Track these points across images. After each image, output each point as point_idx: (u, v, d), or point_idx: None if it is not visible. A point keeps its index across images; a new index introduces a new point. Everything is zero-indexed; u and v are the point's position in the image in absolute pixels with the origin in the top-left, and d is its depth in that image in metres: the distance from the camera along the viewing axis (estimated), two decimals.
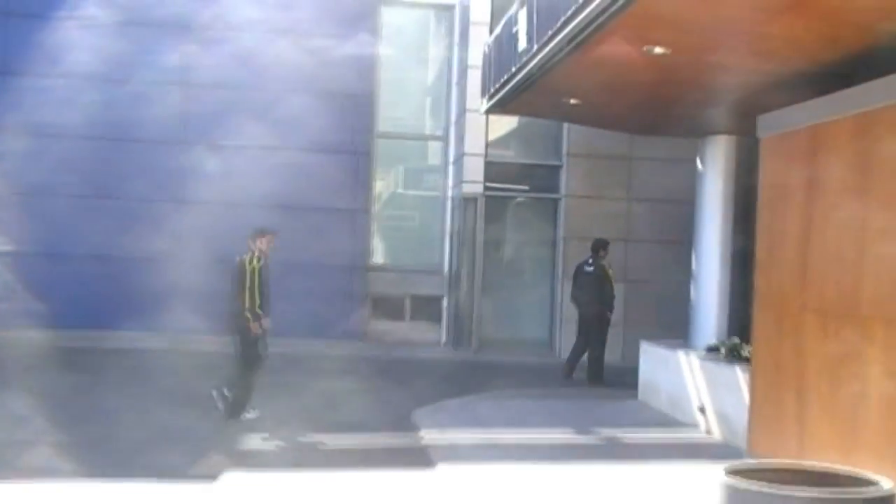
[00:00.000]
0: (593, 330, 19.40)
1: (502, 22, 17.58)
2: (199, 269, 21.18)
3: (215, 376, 15.05)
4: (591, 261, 19.63)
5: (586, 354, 19.48)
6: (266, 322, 14.65)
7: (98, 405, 15.37)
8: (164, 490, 10.69)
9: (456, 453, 12.56)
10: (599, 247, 19.59)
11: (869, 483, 6.34)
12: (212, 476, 11.11)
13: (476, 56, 22.71)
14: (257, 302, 14.49)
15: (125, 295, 22.84)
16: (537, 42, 13.86)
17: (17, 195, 22.90)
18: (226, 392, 14.64)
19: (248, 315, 14.53)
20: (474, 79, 22.49)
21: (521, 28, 15.14)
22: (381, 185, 26.71)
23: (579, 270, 19.88)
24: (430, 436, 13.68)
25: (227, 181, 23.53)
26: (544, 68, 14.18)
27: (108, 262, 23.49)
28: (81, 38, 23.46)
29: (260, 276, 14.65)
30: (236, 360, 14.87)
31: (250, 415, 14.62)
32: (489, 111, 19.79)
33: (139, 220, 23.55)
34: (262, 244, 14.93)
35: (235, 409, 14.58)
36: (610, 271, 19.46)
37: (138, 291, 22.54)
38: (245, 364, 14.73)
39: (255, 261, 14.68)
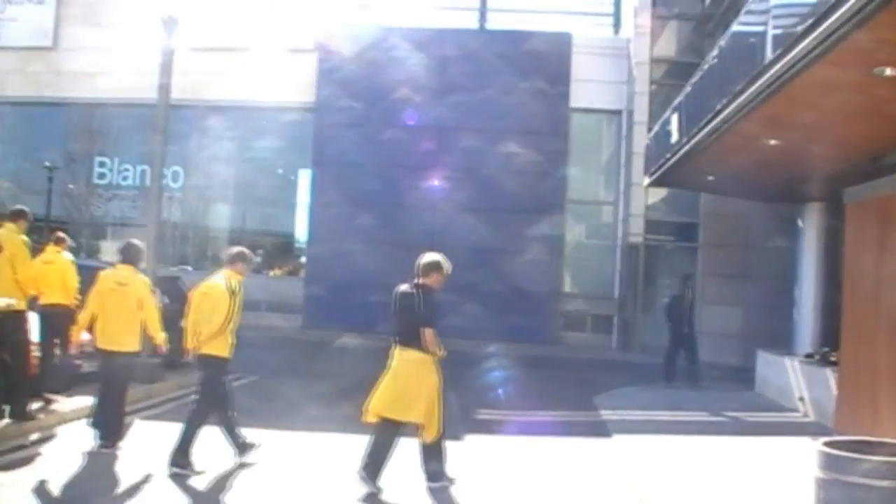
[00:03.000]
0: None
1: (659, 122, 17.63)
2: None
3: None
4: None
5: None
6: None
7: None
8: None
9: (626, 427, 12.53)
10: None
11: None
12: (458, 438, 11.44)
13: (637, 145, 22.79)
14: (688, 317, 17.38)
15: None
16: (686, 136, 13.93)
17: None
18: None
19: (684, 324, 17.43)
20: (636, 162, 22.59)
21: (673, 126, 15.17)
22: (570, 236, 26.81)
23: None
24: (607, 414, 13.66)
25: (473, 235, 24.09)
26: (691, 155, 14.18)
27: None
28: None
29: (692, 305, 17.60)
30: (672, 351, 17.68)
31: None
32: (649, 185, 19.79)
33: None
34: (691, 286, 17.87)
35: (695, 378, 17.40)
36: None
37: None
38: (688, 351, 17.56)
39: (690, 294, 17.56)
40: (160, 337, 9.95)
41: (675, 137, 15.12)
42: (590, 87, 26.07)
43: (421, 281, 8.60)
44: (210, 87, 26.07)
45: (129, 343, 9.70)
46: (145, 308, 9.75)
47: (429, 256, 8.76)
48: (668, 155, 15.76)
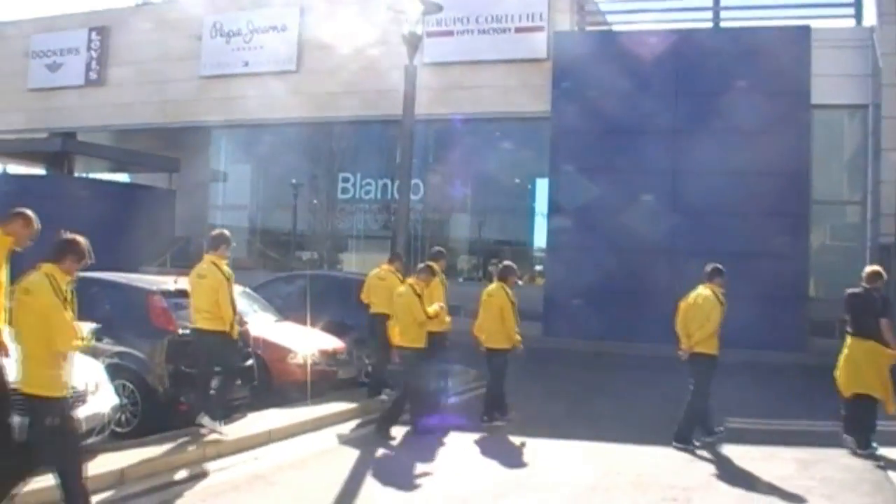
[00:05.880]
0: None
1: None
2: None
3: None
4: None
5: None
6: None
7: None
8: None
9: (892, 439, 11.40)
10: None
11: None
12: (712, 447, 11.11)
13: (886, 140, 21.80)
14: None
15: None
16: None
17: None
18: None
19: None
20: (886, 158, 21.64)
21: None
22: (814, 238, 25.65)
23: None
24: None
25: (712, 240, 23.28)
26: None
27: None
28: None
29: None
30: None
31: None
32: None
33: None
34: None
35: None
36: None
37: None
38: None
39: None
40: (514, 339, 12.29)
41: None
42: (831, 82, 24.73)
43: (870, 285, 11.27)
44: (447, 100, 26.50)
45: (500, 341, 12.22)
46: (503, 315, 12.15)
47: (871, 267, 11.81)
48: None
